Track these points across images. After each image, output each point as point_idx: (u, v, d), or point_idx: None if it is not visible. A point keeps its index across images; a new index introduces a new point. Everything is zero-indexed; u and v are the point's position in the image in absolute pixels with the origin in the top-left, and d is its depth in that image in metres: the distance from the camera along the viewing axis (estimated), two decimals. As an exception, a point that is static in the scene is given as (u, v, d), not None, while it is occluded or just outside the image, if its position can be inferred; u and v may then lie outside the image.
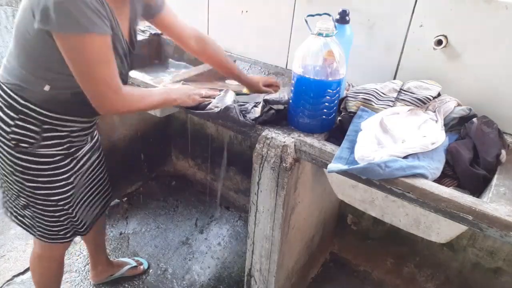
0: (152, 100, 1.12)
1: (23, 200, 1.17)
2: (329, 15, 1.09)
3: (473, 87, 1.22)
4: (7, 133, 1.05)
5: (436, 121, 1.10)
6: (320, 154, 1.04)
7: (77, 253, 1.85)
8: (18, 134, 1.05)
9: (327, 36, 1.02)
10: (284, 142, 1.09)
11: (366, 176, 0.95)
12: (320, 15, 1.09)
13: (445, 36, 1.20)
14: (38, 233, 1.24)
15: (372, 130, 1.02)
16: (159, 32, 1.79)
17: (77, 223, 1.27)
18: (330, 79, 1.05)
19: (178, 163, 2.41)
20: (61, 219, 1.22)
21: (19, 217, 1.24)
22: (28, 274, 1.72)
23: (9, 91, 1.03)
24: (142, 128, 2.10)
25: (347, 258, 1.83)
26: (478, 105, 1.18)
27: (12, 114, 1.04)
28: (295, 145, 1.09)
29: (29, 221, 1.23)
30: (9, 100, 1.04)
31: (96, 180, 1.33)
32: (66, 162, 1.15)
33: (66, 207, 1.20)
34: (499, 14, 1.11)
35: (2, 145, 1.08)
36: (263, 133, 1.13)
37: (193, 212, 2.14)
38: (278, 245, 1.24)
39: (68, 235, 1.27)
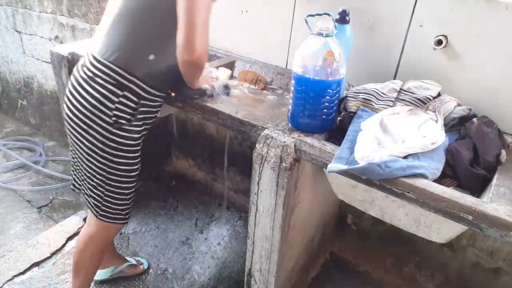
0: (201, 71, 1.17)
1: (99, 179, 1.22)
2: (329, 15, 1.08)
3: (473, 87, 1.22)
4: (111, 109, 1.10)
5: (436, 121, 1.10)
6: (320, 154, 1.04)
7: (77, 253, 1.85)
8: (120, 110, 1.11)
9: (327, 36, 1.02)
10: (284, 142, 1.09)
11: (366, 176, 0.95)
12: (320, 15, 1.09)
13: (445, 36, 1.20)
14: (102, 212, 1.29)
15: (372, 130, 1.02)
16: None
17: (132, 203, 1.34)
18: (330, 79, 1.05)
19: (178, 163, 2.41)
20: (129, 196, 1.30)
21: (86, 196, 1.31)
22: (28, 274, 1.72)
23: (114, 67, 1.08)
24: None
25: (347, 258, 1.83)
26: (478, 105, 1.18)
27: (117, 91, 1.09)
28: (295, 145, 1.09)
29: (95, 201, 1.28)
30: (115, 76, 1.08)
31: None
32: (142, 136, 1.23)
33: (134, 180, 1.28)
34: (499, 14, 1.11)
35: (101, 122, 1.11)
36: (263, 133, 1.13)
37: (193, 212, 2.14)
38: (278, 245, 1.24)
39: (128, 215, 1.34)
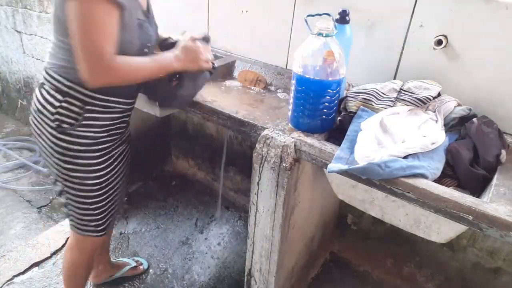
0: (148, 70, 1.09)
1: (59, 185, 1.20)
2: (329, 15, 1.09)
3: (473, 87, 1.22)
4: (52, 114, 1.09)
5: (436, 121, 1.10)
6: (320, 154, 1.04)
7: (77, 253, 1.85)
8: (61, 114, 1.09)
9: (327, 36, 1.02)
10: (284, 142, 1.09)
11: (366, 176, 0.94)
12: (320, 15, 1.09)
13: (445, 36, 1.20)
14: (71, 222, 1.27)
15: (372, 130, 1.02)
16: None
17: (105, 216, 1.29)
18: (330, 79, 1.05)
19: (178, 163, 2.41)
20: (92, 207, 1.24)
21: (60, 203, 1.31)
22: (28, 274, 1.72)
23: (54, 74, 1.08)
24: (142, 128, 2.10)
25: (347, 258, 1.83)
26: (478, 105, 1.18)
27: (58, 96, 1.08)
28: (295, 145, 1.09)
29: (65, 207, 1.26)
30: (55, 83, 1.08)
31: (124, 173, 1.34)
32: (104, 146, 1.18)
33: (98, 193, 1.22)
34: (499, 14, 1.11)
35: (46, 126, 1.11)
36: (263, 133, 1.13)
37: (193, 212, 2.14)
38: (278, 245, 1.24)
39: (100, 229, 1.29)
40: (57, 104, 1.09)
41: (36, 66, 2.70)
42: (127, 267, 1.71)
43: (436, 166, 0.96)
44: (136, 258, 1.79)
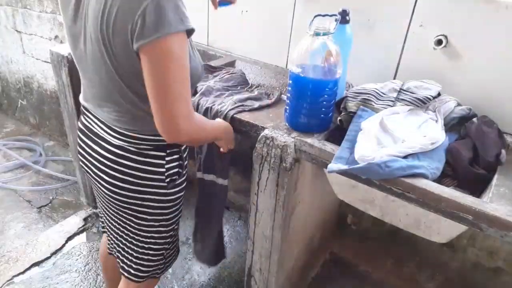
0: (211, 135, 1.07)
1: (165, 240, 1.17)
2: (336, 15, 1.09)
3: (473, 87, 1.22)
4: (162, 174, 1.02)
5: (436, 121, 1.10)
6: (320, 154, 1.04)
7: (77, 253, 1.85)
8: (170, 169, 1.04)
9: (324, 35, 1.02)
10: (284, 142, 1.09)
11: (366, 176, 0.94)
12: (329, 15, 1.09)
13: (445, 36, 1.20)
14: (160, 271, 1.23)
15: (372, 130, 1.02)
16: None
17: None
18: (327, 78, 1.05)
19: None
20: (170, 242, 1.23)
21: (121, 257, 1.21)
22: (28, 274, 1.72)
23: (143, 136, 0.97)
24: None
25: (347, 258, 1.83)
26: (478, 105, 1.18)
27: (160, 153, 1.01)
28: (295, 145, 1.09)
29: (159, 262, 1.21)
30: (150, 143, 0.99)
31: None
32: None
33: (176, 222, 1.21)
34: (499, 14, 1.11)
35: (154, 190, 1.04)
36: (263, 133, 1.13)
37: (193, 212, 2.13)
38: (278, 245, 1.24)
39: (169, 263, 1.28)
40: (163, 162, 1.01)
41: (36, 66, 2.70)
42: None
43: (436, 166, 0.96)
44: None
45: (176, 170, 1.06)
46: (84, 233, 1.95)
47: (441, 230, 1.01)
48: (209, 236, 1.49)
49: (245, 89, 1.43)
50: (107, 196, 1.08)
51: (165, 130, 0.87)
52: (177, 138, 0.90)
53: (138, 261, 1.19)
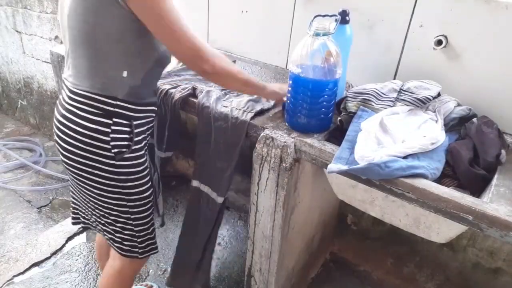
0: (248, 81, 1.11)
1: (116, 214, 1.15)
2: (336, 15, 1.09)
3: (473, 87, 1.22)
4: (107, 142, 1.02)
5: (436, 121, 1.10)
6: (320, 154, 1.04)
7: (77, 253, 1.85)
8: (117, 139, 1.04)
9: (324, 35, 1.02)
10: (284, 142, 1.09)
11: (366, 176, 0.94)
12: (329, 16, 1.09)
13: (445, 36, 1.20)
14: (127, 248, 1.22)
15: (372, 130, 1.02)
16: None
17: (154, 229, 1.28)
18: (327, 78, 1.05)
19: (178, 163, 2.41)
20: (150, 222, 1.23)
21: (116, 241, 1.23)
22: (28, 274, 1.72)
23: (96, 96, 1.01)
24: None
25: (347, 258, 1.83)
26: (478, 105, 1.18)
27: (106, 120, 1.02)
28: (295, 145, 1.09)
29: (116, 238, 1.21)
30: (99, 105, 1.01)
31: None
32: (144, 151, 1.15)
33: (150, 199, 1.20)
34: (499, 14, 1.11)
35: (102, 158, 1.04)
36: (263, 133, 1.13)
37: (193, 212, 2.14)
38: (278, 245, 1.24)
39: (155, 244, 1.29)
40: (108, 129, 1.02)
41: (36, 66, 2.70)
42: None
43: (436, 166, 0.96)
44: (145, 283, 1.72)
45: (125, 142, 1.05)
46: (84, 233, 1.95)
47: (441, 230, 1.01)
48: (189, 258, 1.42)
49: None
50: (64, 165, 1.12)
51: (196, 62, 0.99)
52: (210, 66, 1.00)
53: (115, 235, 1.20)
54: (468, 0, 1.14)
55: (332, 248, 1.86)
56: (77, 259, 1.81)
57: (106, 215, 1.17)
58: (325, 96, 1.07)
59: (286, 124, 1.16)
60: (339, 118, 1.15)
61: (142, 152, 1.13)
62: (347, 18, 1.15)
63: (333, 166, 0.97)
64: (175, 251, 1.47)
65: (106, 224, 1.20)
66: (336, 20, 1.07)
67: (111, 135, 1.03)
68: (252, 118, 1.17)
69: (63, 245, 1.88)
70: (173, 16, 0.94)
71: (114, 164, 1.06)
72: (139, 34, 0.97)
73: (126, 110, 1.04)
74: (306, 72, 1.05)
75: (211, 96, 1.27)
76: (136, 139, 1.08)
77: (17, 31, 2.66)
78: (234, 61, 1.70)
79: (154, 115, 1.15)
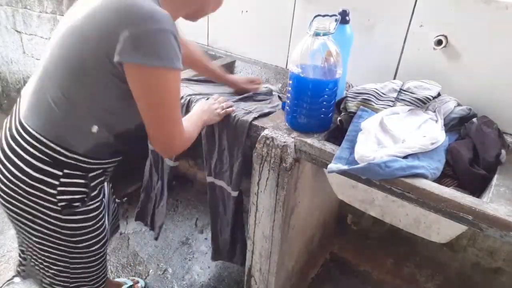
0: (197, 130, 1.07)
1: (61, 264, 1.04)
2: (336, 15, 1.09)
3: (473, 87, 1.22)
4: (53, 195, 0.90)
5: (436, 121, 1.10)
6: (320, 154, 1.04)
7: (77, 253, 1.84)
8: (66, 193, 0.91)
9: (324, 35, 1.02)
10: (284, 142, 1.09)
11: (366, 176, 0.95)
12: (329, 16, 1.09)
13: (445, 36, 1.20)
14: None
15: (372, 130, 1.02)
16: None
17: (104, 269, 1.17)
18: (327, 78, 1.05)
19: (178, 163, 2.40)
20: (97, 266, 1.11)
21: (45, 279, 1.11)
22: (28, 274, 1.73)
23: (48, 143, 0.87)
24: (142, 127, 2.09)
25: (347, 258, 1.83)
26: (478, 105, 1.18)
27: (55, 171, 0.88)
28: (295, 145, 1.09)
29: (61, 284, 1.09)
30: (49, 152, 0.87)
31: (114, 211, 1.29)
32: (99, 198, 1.03)
33: (102, 249, 1.10)
34: (499, 14, 1.11)
35: (45, 210, 0.92)
36: (263, 133, 1.13)
37: (193, 212, 2.14)
38: (278, 245, 1.24)
39: (105, 278, 1.19)
40: (55, 182, 0.89)
41: (36, 66, 2.70)
42: (124, 287, 1.62)
43: (436, 166, 0.96)
44: (132, 277, 1.71)
45: (77, 196, 0.93)
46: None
47: (441, 230, 1.01)
48: (225, 236, 1.46)
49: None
50: (1, 206, 0.97)
51: (161, 149, 0.95)
52: (172, 154, 1.00)
53: (49, 277, 1.09)
54: (468, 0, 1.14)
55: (332, 248, 1.86)
56: (77, 259, 1.81)
57: (42, 259, 1.05)
58: (325, 96, 1.07)
59: (286, 124, 1.16)
60: (339, 118, 1.15)
61: (97, 200, 1.00)
62: (347, 18, 1.15)
63: (333, 166, 0.97)
64: (211, 234, 1.51)
65: (44, 269, 1.08)
66: (336, 20, 1.07)
67: (59, 188, 0.90)
68: (255, 118, 1.18)
69: (63, 245, 1.88)
70: (169, 106, 0.87)
71: (60, 218, 0.93)
72: (125, 96, 0.86)
73: (83, 163, 0.92)
74: (306, 72, 1.05)
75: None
76: (93, 193, 0.97)
77: (17, 31, 2.66)
78: (234, 61, 1.70)
79: (120, 158, 1.05)
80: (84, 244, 1.02)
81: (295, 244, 1.40)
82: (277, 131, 1.13)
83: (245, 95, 1.35)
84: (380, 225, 1.68)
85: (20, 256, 1.18)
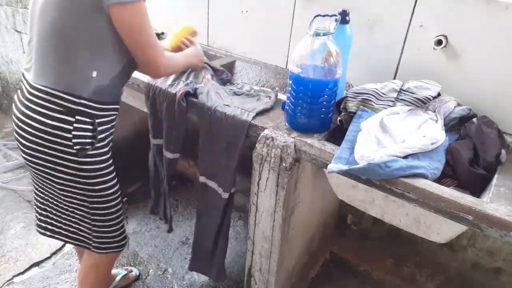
0: (181, 63, 1.30)
1: (82, 211, 1.18)
2: (336, 15, 1.09)
3: (473, 87, 1.22)
4: (69, 139, 1.04)
5: (436, 121, 1.10)
6: (320, 154, 1.04)
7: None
8: (79, 137, 1.05)
9: (324, 35, 1.02)
10: (284, 142, 1.09)
11: (366, 176, 0.94)
12: (329, 16, 1.09)
13: (445, 36, 1.20)
14: (95, 244, 1.25)
15: (372, 130, 1.02)
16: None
17: (123, 225, 1.30)
18: (327, 78, 1.05)
19: (178, 163, 2.40)
20: (119, 219, 1.26)
21: (71, 233, 1.26)
22: (28, 274, 1.72)
23: (60, 94, 1.02)
24: (142, 127, 2.10)
25: (347, 258, 1.83)
26: (478, 105, 1.18)
27: (68, 118, 1.03)
28: (295, 145, 1.09)
29: (84, 235, 1.24)
30: (62, 103, 1.03)
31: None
32: (108, 149, 1.17)
33: (117, 200, 1.22)
34: (499, 14, 1.11)
35: (64, 155, 1.06)
36: (263, 133, 1.13)
37: (193, 212, 2.14)
38: (278, 245, 1.24)
39: (124, 241, 1.31)
40: (70, 127, 1.04)
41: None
42: (119, 277, 1.65)
43: (436, 166, 0.96)
44: (125, 267, 1.74)
45: (88, 140, 1.08)
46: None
47: (441, 230, 1.01)
48: (205, 245, 1.46)
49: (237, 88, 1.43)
50: (26, 162, 1.13)
51: (149, 70, 1.13)
52: (159, 73, 1.18)
53: (75, 230, 1.24)
54: (468, 0, 1.14)
55: (332, 248, 1.86)
56: (77, 259, 1.81)
57: (66, 208, 1.20)
58: (325, 96, 1.07)
59: (286, 124, 1.16)
60: (339, 118, 1.15)
61: (106, 149, 1.15)
62: (347, 18, 1.15)
63: (333, 166, 0.97)
64: (193, 238, 1.52)
65: (67, 219, 1.23)
66: (336, 20, 1.07)
67: (73, 133, 1.04)
68: (253, 118, 1.18)
69: (63, 245, 1.88)
70: (146, 32, 1.05)
71: (77, 161, 1.07)
72: (114, 40, 1.03)
73: (89, 109, 1.06)
74: (306, 72, 1.05)
75: (212, 96, 1.28)
76: (99, 136, 1.10)
77: (17, 31, 2.66)
78: (234, 61, 1.70)
79: (116, 113, 1.18)
80: (100, 187, 1.15)
81: (295, 244, 1.40)
82: (277, 131, 1.13)
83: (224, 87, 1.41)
84: (380, 225, 1.68)
85: (40, 214, 1.30)
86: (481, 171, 0.97)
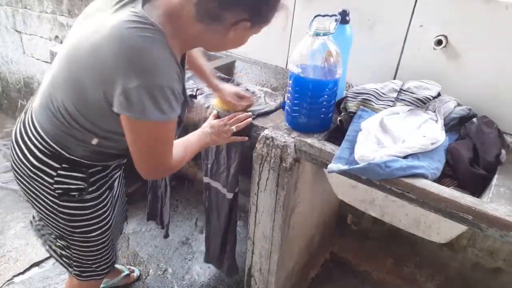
0: (190, 155, 1.06)
1: (61, 243, 1.11)
2: (336, 15, 1.09)
3: (473, 87, 1.22)
4: (50, 183, 0.96)
5: (436, 121, 1.10)
6: (320, 154, 1.04)
7: (77, 253, 1.84)
8: (62, 183, 0.96)
9: (324, 35, 1.02)
10: (284, 142, 1.09)
11: (366, 176, 0.95)
12: (329, 15, 1.09)
13: (445, 36, 1.20)
14: (75, 272, 1.17)
15: (372, 130, 1.02)
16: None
17: (110, 255, 1.21)
18: (327, 78, 1.05)
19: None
20: (99, 252, 1.15)
21: (57, 254, 1.17)
22: (28, 274, 1.72)
23: (52, 143, 0.93)
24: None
25: (347, 258, 1.83)
26: (478, 105, 1.18)
27: (53, 163, 0.94)
28: (295, 145, 1.09)
29: (66, 260, 1.16)
30: (52, 150, 0.93)
31: (123, 201, 1.30)
32: (108, 195, 1.08)
33: (104, 234, 1.12)
34: (499, 14, 1.11)
35: (45, 194, 0.98)
36: (263, 133, 1.13)
37: (193, 212, 2.14)
38: (278, 245, 1.24)
39: (106, 270, 1.22)
40: (53, 173, 0.94)
41: (36, 66, 2.70)
42: (122, 275, 1.65)
43: (436, 166, 0.96)
44: (128, 266, 1.74)
45: (76, 187, 0.97)
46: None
47: (441, 230, 1.01)
48: (216, 242, 1.48)
49: None
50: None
51: (144, 175, 0.92)
52: (154, 179, 1.07)
53: (61, 255, 1.15)
54: (468, 0, 1.14)
55: (332, 248, 1.86)
56: (77, 259, 1.81)
57: (50, 230, 1.12)
58: (325, 96, 1.07)
59: (286, 124, 1.16)
60: (339, 118, 1.15)
61: (99, 192, 1.04)
62: (347, 18, 1.15)
63: (333, 166, 0.97)
64: (205, 233, 1.53)
65: (50, 239, 1.15)
66: (336, 20, 1.07)
67: (56, 178, 0.95)
68: (254, 118, 1.18)
69: (63, 245, 1.88)
70: (159, 150, 0.88)
71: (57, 203, 0.99)
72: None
73: (81, 165, 0.97)
74: (306, 72, 1.05)
75: (210, 97, 1.28)
76: (91, 188, 1.00)
77: (17, 31, 2.66)
78: (234, 61, 1.69)
79: (123, 160, 1.08)
80: (81, 230, 1.06)
81: (295, 244, 1.40)
82: (277, 131, 1.13)
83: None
84: (380, 225, 1.68)
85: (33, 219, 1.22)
86: (481, 171, 0.97)
